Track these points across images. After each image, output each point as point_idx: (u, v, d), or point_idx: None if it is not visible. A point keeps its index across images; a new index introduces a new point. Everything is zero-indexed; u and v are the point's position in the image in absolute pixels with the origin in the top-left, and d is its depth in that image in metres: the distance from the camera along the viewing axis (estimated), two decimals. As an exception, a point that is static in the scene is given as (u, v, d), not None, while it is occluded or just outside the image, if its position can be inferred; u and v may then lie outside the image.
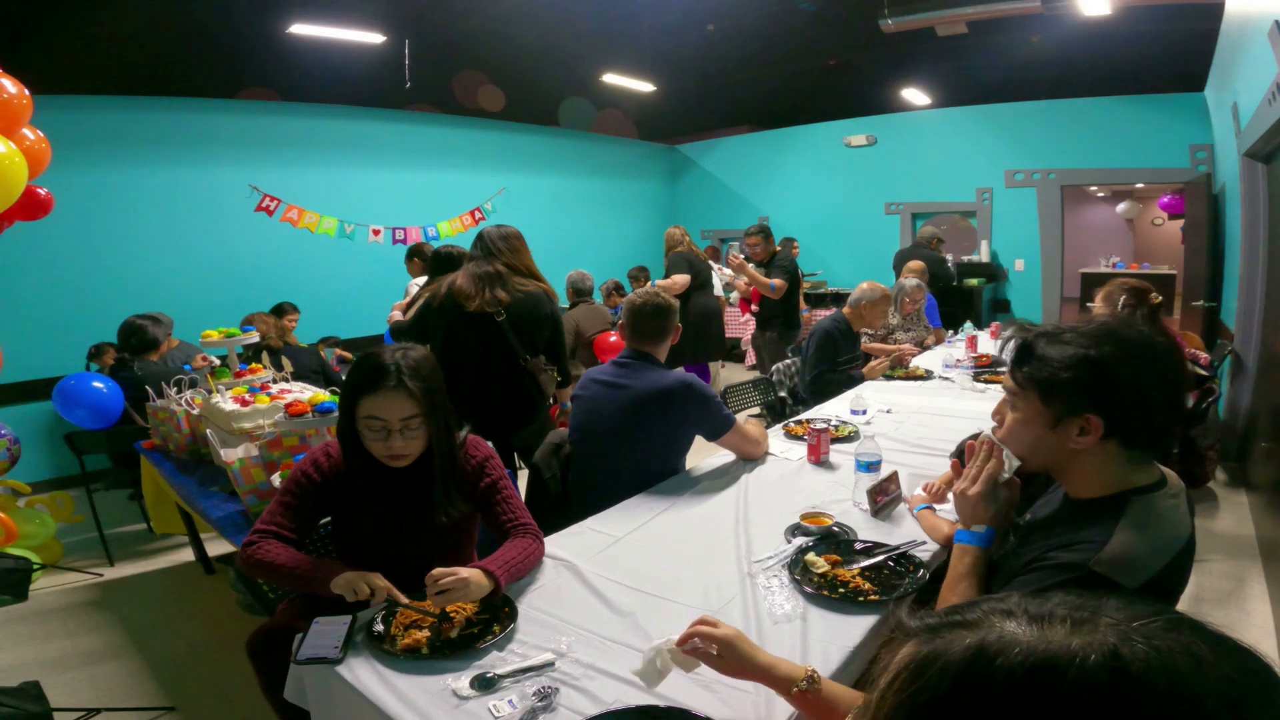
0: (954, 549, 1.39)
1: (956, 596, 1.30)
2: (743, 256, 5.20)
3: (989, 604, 0.52)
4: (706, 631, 1.16)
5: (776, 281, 5.01)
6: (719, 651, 1.14)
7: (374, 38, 5.50)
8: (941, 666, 0.47)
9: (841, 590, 1.55)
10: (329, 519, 1.85)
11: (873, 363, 3.91)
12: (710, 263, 5.89)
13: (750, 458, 2.49)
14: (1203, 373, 3.79)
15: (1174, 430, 1.22)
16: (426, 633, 1.41)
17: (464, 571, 1.47)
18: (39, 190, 2.98)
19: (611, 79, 6.98)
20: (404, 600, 1.48)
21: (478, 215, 7.40)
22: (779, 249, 5.29)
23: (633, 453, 2.32)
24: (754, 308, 5.53)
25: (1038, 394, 1.20)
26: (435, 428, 1.67)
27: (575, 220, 8.46)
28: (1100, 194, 11.99)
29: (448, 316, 2.93)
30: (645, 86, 7.25)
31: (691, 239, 5.68)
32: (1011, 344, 1.29)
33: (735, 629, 1.18)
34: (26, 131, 2.77)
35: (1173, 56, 5.95)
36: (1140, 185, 9.96)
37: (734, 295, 5.41)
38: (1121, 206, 11.55)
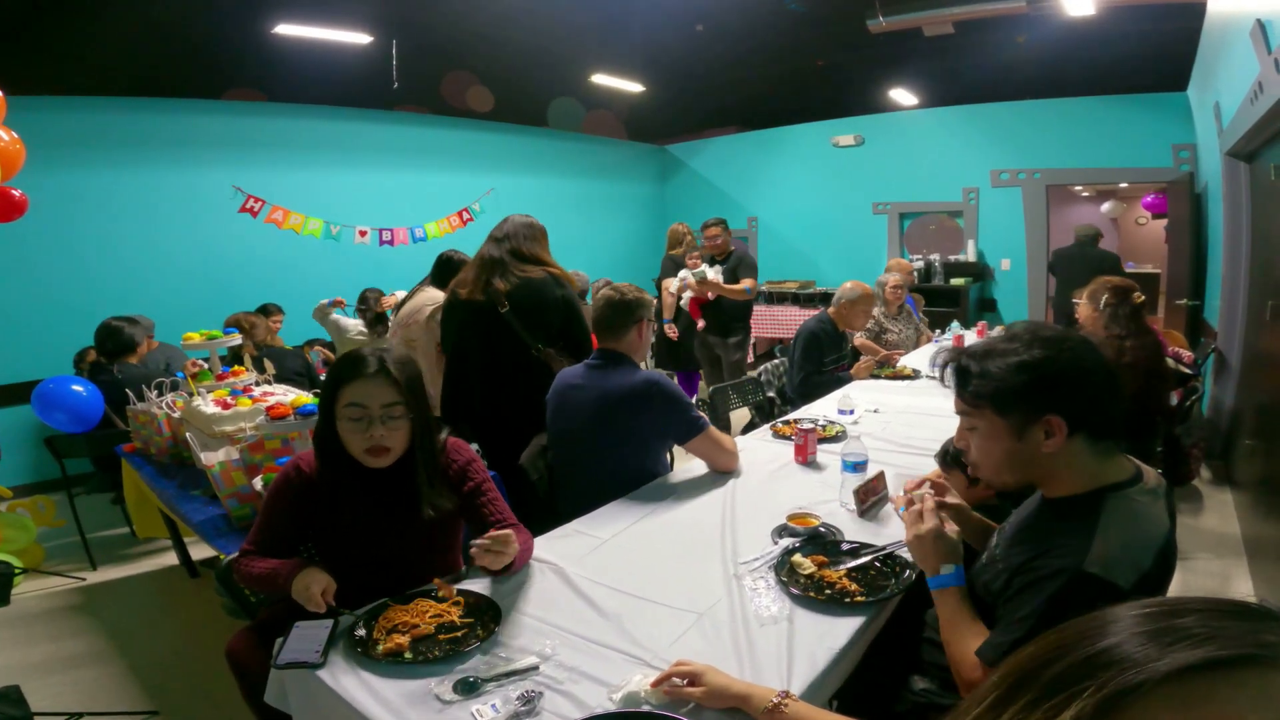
0: (935, 596, 1.37)
1: (973, 637, 1.27)
2: (698, 254, 4.85)
3: None
4: (683, 670, 1.20)
5: (749, 282, 4.68)
6: (693, 683, 1.18)
7: (361, 38, 5.47)
8: None
9: (828, 591, 1.55)
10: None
11: (860, 362, 3.91)
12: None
13: (722, 469, 2.37)
14: (1186, 371, 3.82)
15: (1123, 414, 1.23)
16: (408, 637, 1.40)
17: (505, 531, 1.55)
18: (13, 191, 2.95)
19: (600, 80, 6.97)
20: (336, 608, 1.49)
21: (466, 216, 7.37)
22: (735, 247, 4.98)
23: (608, 455, 2.30)
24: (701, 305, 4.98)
25: (993, 409, 1.22)
26: (416, 419, 1.66)
27: (565, 221, 8.40)
28: (1085, 193, 12.06)
29: (457, 317, 2.83)
30: (634, 87, 7.25)
31: (695, 239, 5.37)
32: (949, 370, 1.30)
33: (707, 664, 1.22)
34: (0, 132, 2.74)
35: (1156, 56, 5.98)
36: (1124, 185, 10.03)
37: (685, 297, 4.98)
38: (1106, 206, 11.63)
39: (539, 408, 2.59)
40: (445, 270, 3.45)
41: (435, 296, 3.36)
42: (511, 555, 1.56)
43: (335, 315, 4.77)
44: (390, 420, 1.61)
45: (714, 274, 4.76)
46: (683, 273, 4.88)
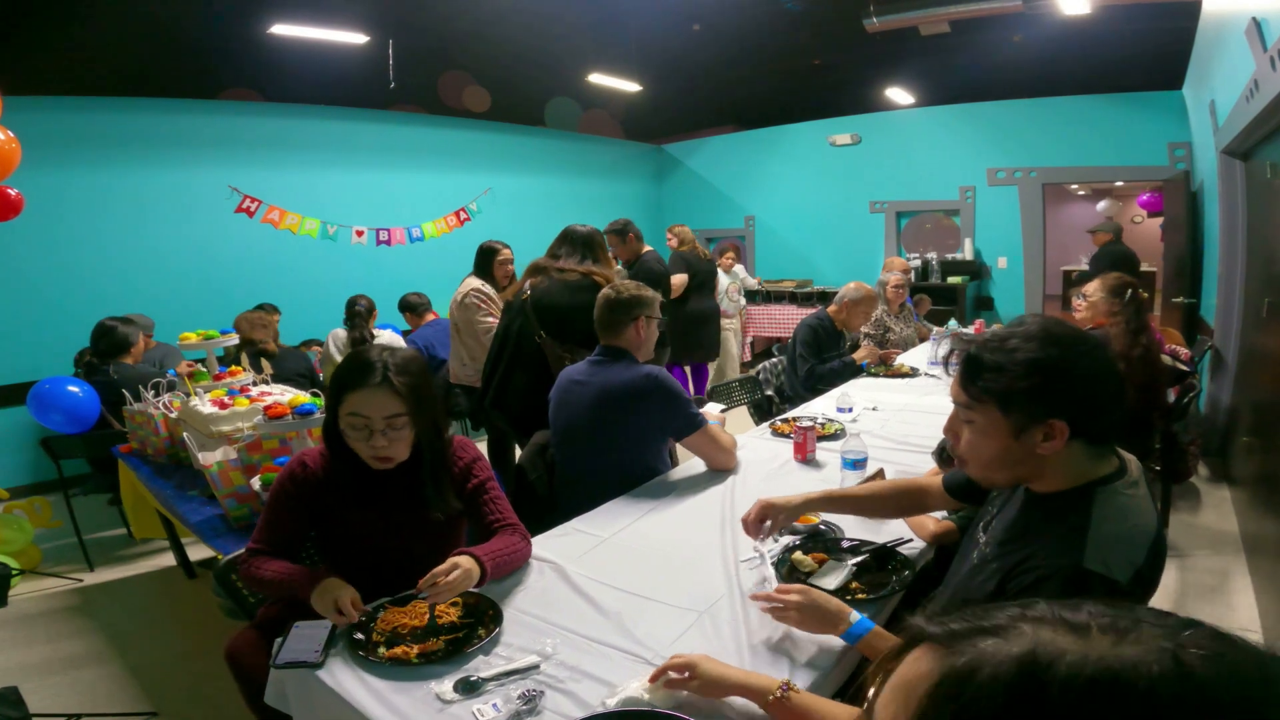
0: (861, 649, 1.32)
1: None
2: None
3: (1012, 610, 0.47)
4: (678, 662, 1.19)
5: None
6: (691, 674, 1.18)
7: (357, 38, 5.46)
8: (989, 679, 0.42)
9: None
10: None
11: (861, 349, 3.99)
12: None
13: (719, 467, 2.37)
14: (1183, 368, 3.83)
15: (1123, 419, 1.20)
16: (415, 646, 1.39)
17: (454, 559, 1.48)
18: (9, 191, 2.94)
19: (597, 79, 6.96)
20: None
21: (463, 216, 7.36)
22: (646, 250, 4.51)
23: (610, 450, 2.30)
24: None
25: (996, 406, 1.16)
26: (422, 427, 1.65)
27: (561, 220, 8.21)
28: (1081, 192, 12.10)
29: (507, 313, 3.13)
30: (631, 86, 7.24)
31: (696, 240, 5.48)
32: (955, 358, 1.24)
33: (701, 653, 1.22)
34: (-2, 131, 2.73)
35: (1151, 55, 6.01)
36: (1120, 183, 10.06)
37: None
38: (1102, 204, 11.64)
39: (535, 397, 2.75)
40: (480, 257, 3.98)
41: (470, 283, 3.88)
42: (460, 585, 1.47)
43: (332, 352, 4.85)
44: (392, 431, 1.60)
45: None
46: None
